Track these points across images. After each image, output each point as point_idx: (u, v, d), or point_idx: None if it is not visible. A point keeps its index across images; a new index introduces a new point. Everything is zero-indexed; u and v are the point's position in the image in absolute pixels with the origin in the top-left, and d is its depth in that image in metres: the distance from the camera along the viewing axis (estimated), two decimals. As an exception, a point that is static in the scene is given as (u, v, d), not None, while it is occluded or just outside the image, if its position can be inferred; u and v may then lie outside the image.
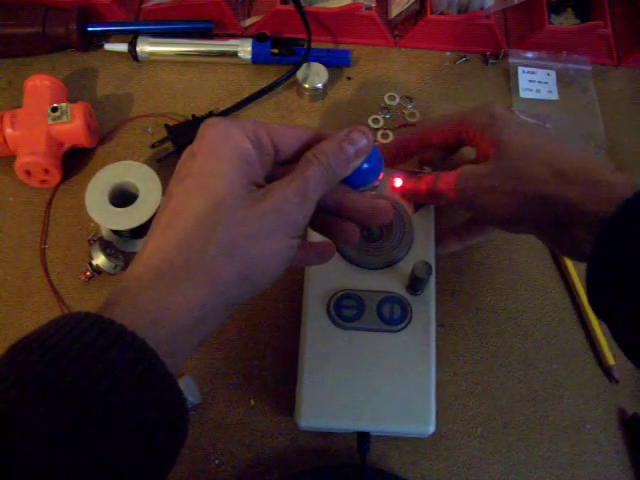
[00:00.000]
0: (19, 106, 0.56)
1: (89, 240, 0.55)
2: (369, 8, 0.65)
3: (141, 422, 0.27)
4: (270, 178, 0.36)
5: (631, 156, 0.62)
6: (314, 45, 0.64)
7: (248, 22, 0.68)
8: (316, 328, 0.47)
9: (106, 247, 0.53)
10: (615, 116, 0.65)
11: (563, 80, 0.66)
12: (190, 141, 0.36)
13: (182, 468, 0.48)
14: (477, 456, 0.50)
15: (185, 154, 0.36)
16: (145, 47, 0.64)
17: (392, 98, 0.64)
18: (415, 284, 0.46)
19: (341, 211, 0.38)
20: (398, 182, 0.50)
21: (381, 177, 0.39)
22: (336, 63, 0.66)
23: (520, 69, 0.66)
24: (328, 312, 0.47)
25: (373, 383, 0.45)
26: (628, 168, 0.62)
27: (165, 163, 0.59)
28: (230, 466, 0.48)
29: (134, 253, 0.55)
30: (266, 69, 0.65)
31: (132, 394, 0.27)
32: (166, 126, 0.59)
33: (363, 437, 0.46)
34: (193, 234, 0.32)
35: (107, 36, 0.66)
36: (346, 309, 0.47)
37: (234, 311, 0.35)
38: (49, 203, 0.58)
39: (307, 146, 0.37)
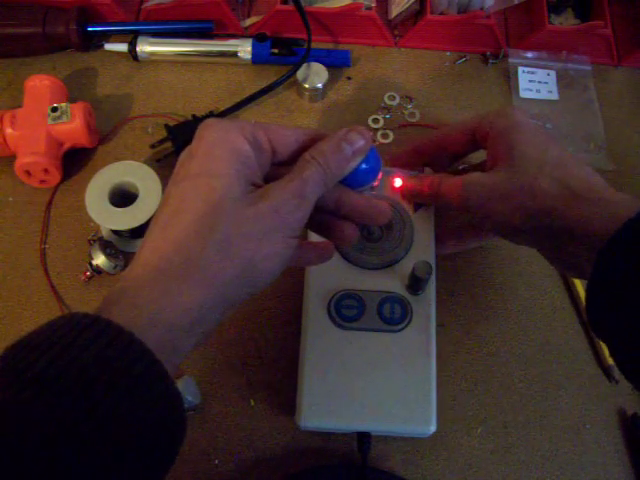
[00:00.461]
0: (19, 106, 0.56)
1: (89, 240, 0.55)
2: (369, 8, 0.65)
3: (139, 422, 0.27)
4: (268, 178, 0.36)
5: (631, 156, 0.62)
6: (314, 45, 0.64)
7: (248, 22, 0.68)
8: (317, 328, 0.47)
9: (106, 247, 0.53)
10: (615, 116, 0.65)
11: (563, 80, 0.66)
12: (190, 141, 0.36)
13: (182, 468, 0.48)
14: (477, 456, 0.50)
15: (183, 155, 0.36)
16: (145, 47, 0.64)
17: (392, 98, 0.64)
18: (415, 284, 0.46)
19: (339, 211, 0.38)
20: (398, 182, 0.50)
21: (379, 177, 0.39)
22: (336, 63, 0.66)
23: (520, 69, 0.66)
24: (328, 312, 0.47)
25: (374, 383, 0.45)
26: (628, 168, 0.62)
27: (165, 163, 0.59)
28: (230, 466, 0.48)
29: (134, 253, 0.55)
30: (266, 69, 0.65)
31: (130, 394, 0.27)
32: (166, 126, 0.59)
33: (364, 437, 0.46)
34: (191, 234, 0.32)
35: (107, 36, 0.66)
36: (346, 309, 0.47)
37: (233, 311, 0.35)
38: (49, 203, 0.58)
39: (305, 146, 0.37)
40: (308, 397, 0.45)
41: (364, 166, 0.37)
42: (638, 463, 0.49)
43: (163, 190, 0.53)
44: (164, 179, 0.53)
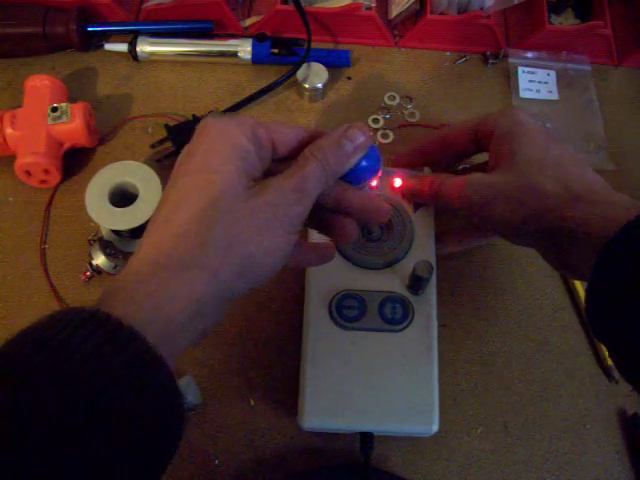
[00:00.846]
0: (19, 106, 0.56)
1: (89, 240, 0.55)
2: (369, 8, 0.65)
3: (139, 417, 0.27)
4: (269, 175, 0.36)
5: (631, 156, 0.62)
6: (314, 45, 0.64)
7: (248, 22, 0.68)
8: (318, 329, 0.47)
9: (106, 247, 0.53)
10: (615, 116, 0.65)
11: (563, 80, 0.66)
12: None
13: (182, 468, 0.48)
14: (477, 456, 0.50)
15: (184, 151, 0.36)
16: (145, 47, 0.64)
17: (392, 98, 0.64)
18: (416, 283, 0.46)
19: (339, 208, 0.38)
20: (398, 182, 0.50)
21: (379, 174, 0.39)
22: (336, 63, 0.66)
23: (520, 69, 0.66)
24: (330, 312, 0.47)
25: (376, 383, 0.45)
26: (628, 168, 0.62)
27: (165, 163, 0.59)
28: (230, 466, 0.48)
29: (134, 253, 0.55)
30: (266, 69, 0.65)
31: (128, 388, 0.27)
32: (166, 126, 0.59)
33: (366, 437, 0.46)
34: (191, 229, 0.32)
35: (107, 36, 0.66)
36: (348, 309, 0.47)
37: (232, 306, 0.35)
38: (49, 203, 0.58)
39: (305, 143, 0.37)
40: (310, 398, 0.45)
41: (364, 163, 0.37)
42: (638, 463, 0.49)
43: (163, 190, 0.53)
44: (164, 179, 0.53)
